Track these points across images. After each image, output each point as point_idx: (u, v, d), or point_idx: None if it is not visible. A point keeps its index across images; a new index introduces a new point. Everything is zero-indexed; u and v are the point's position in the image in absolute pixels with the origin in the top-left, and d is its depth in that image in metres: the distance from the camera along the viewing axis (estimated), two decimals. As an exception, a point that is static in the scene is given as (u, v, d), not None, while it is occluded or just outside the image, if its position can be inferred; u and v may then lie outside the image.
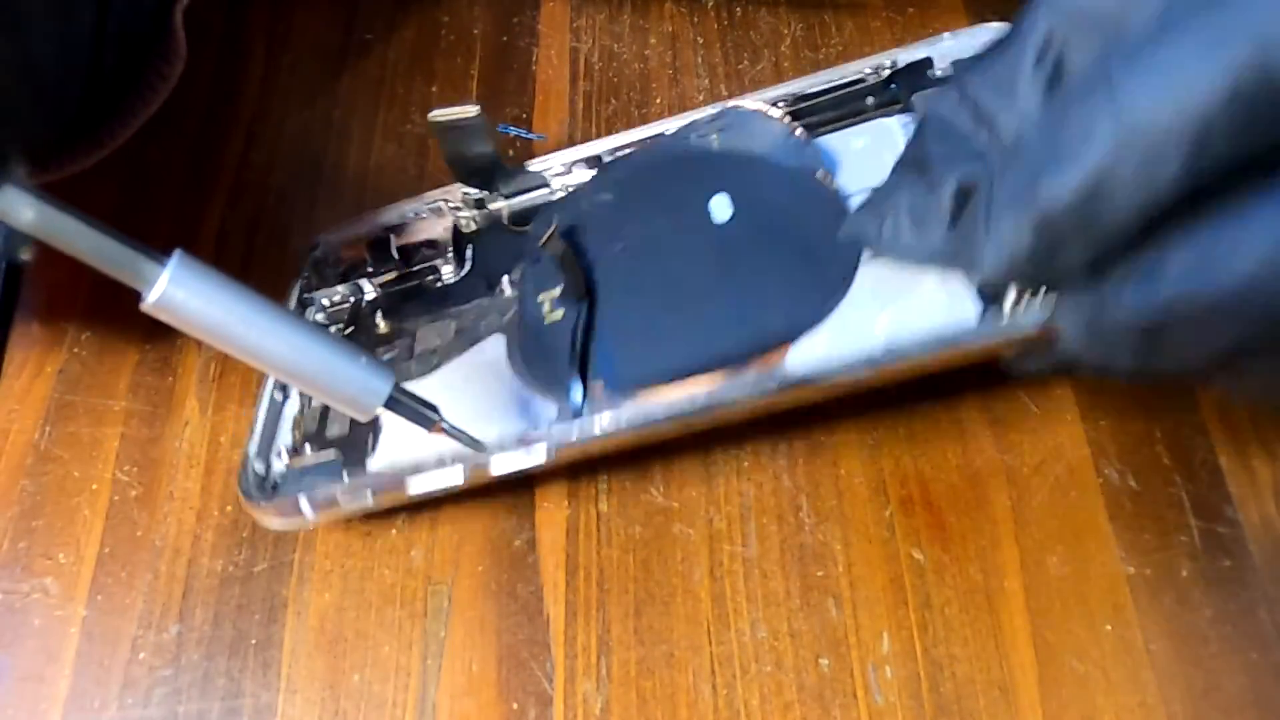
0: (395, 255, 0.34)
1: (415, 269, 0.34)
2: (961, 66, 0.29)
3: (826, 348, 0.29)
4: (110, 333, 0.35)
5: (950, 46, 0.33)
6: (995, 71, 0.23)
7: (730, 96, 0.41)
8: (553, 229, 0.30)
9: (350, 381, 0.24)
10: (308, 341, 0.24)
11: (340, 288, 0.34)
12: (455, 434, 0.27)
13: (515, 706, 0.29)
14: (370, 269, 0.34)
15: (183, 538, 0.31)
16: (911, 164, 0.25)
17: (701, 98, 0.41)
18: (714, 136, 0.31)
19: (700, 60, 0.42)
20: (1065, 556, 0.29)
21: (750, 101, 0.33)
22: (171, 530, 0.31)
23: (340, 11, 0.43)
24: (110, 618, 0.30)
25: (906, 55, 0.33)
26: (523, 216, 0.34)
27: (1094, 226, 0.21)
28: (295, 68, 0.42)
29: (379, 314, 0.33)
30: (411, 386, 0.29)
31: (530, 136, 0.37)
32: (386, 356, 0.32)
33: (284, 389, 0.32)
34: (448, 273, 0.34)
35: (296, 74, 0.42)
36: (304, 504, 0.29)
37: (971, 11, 0.44)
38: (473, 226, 0.35)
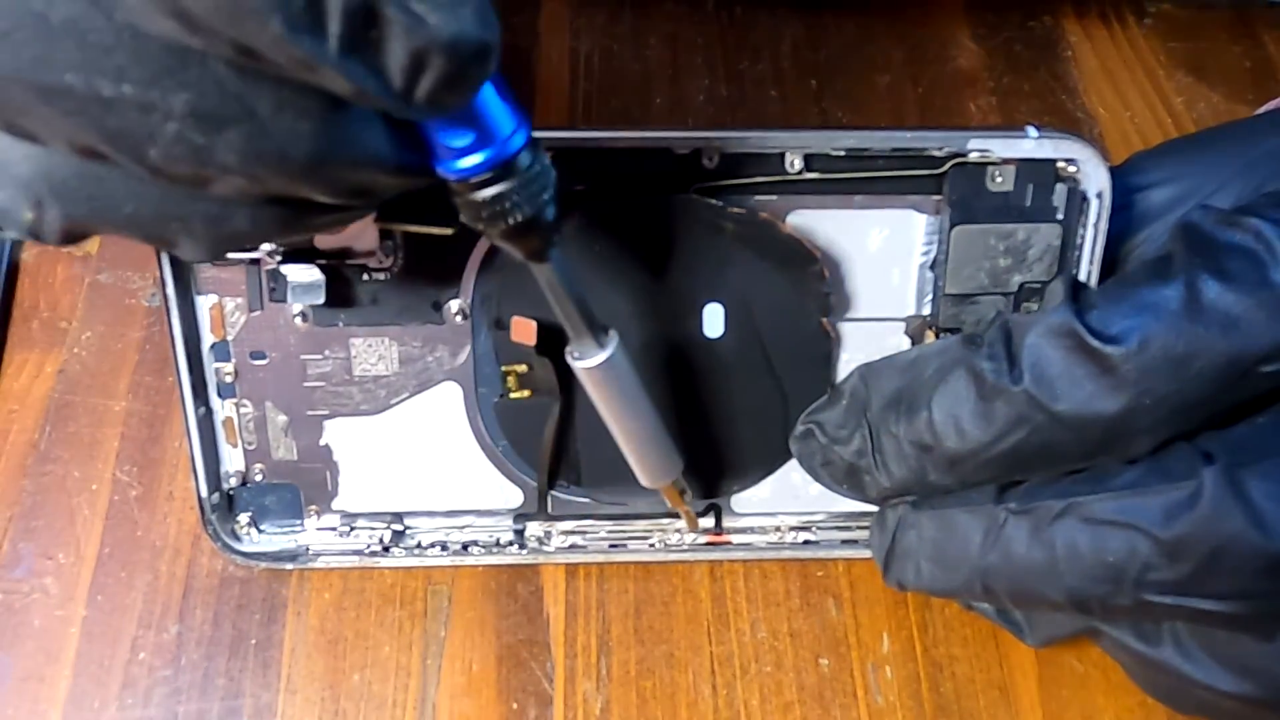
0: None
1: (327, 250, 0.28)
2: None
3: (768, 500, 0.31)
4: (110, 333, 0.35)
5: (1030, 148, 0.26)
6: None
7: (730, 96, 0.41)
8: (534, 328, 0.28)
9: (663, 457, 0.27)
10: (654, 421, 0.27)
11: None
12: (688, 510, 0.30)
13: (515, 706, 0.29)
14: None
15: (183, 538, 0.31)
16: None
17: (701, 98, 0.41)
18: (729, 226, 0.27)
19: (700, 60, 0.42)
20: (1065, 556, 0.29)
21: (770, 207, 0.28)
22: (171, 530, 0.31)
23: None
24: (110, 618, 0.30)
25: (979, 144, 0.26)
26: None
27: None
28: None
29: (289, 294, 0.28)
30: (361, 424, 0.29)
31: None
32: (321, 370, 0.29)
33: (206, 406, 0.29)
34: (366, 243, 0.27)
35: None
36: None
37: (971, 12, 0.44)
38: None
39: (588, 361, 0.25)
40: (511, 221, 0.21)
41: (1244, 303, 0.21)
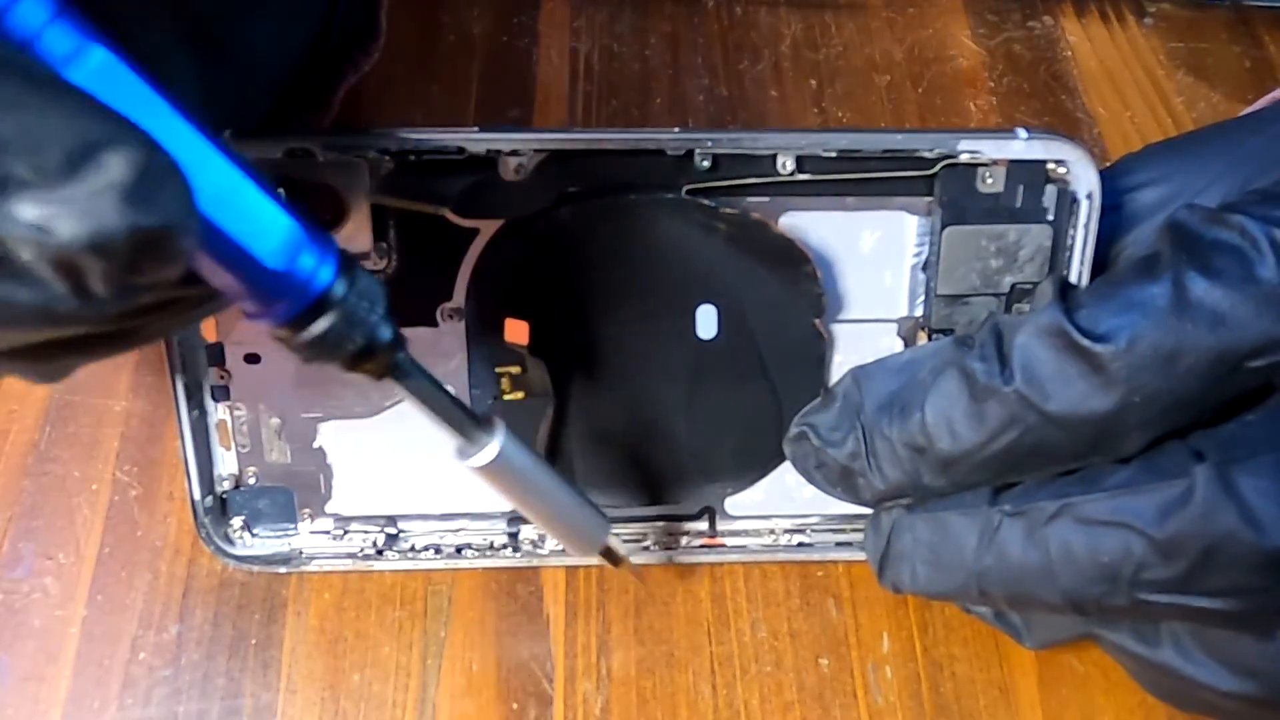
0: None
1: None
2: None
3: (762, 503, 0.31)
4: (110, 333, 0.35)
5: (1020, 149, 0.26)
6: None
7: (730, 97, 0.41)
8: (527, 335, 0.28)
9: (584, 528, 0.27)
10: (568, 492, 0.26)
11: None
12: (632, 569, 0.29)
13: (515, 706, 0.29)
14: None
15: (183, 538, 0.31)
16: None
17: (701, 98, 0.41)
18: (722, 227, 0.27)
19: (700, 60, 0.42)
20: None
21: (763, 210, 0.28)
22: (171, 530, 0.31)
23: (340, 11, 0.43)
24: (110, 618, 0.30)
25: (970, 145, 0.26)
26: (468, 203, 0.27)
27: None
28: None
29: None
30: (354, 427, 0.29)
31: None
32: (314, 373, 0.29)
33: (200, 407, 0.29)
34: (360, 246, 0.27)
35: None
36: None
37: (971, 12, 0.44)
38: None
39: (478, 459, 0.24)
40: (346, 351, 0.21)
41: (1231, 298, 0.22)
